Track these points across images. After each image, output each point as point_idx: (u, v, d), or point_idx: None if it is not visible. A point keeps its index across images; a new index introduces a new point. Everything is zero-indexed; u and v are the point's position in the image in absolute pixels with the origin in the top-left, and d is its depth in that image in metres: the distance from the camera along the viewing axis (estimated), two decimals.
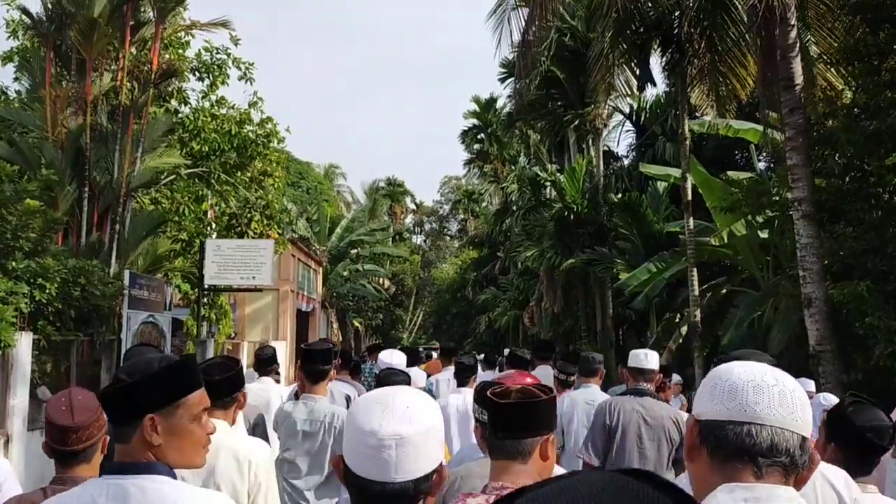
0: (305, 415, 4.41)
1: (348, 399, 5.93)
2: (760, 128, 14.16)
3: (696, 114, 15.13)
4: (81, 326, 10.56)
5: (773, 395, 1.39)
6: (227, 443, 3.09)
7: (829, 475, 2.56)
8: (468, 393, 6.01)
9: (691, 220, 13.30)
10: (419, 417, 1.56)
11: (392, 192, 61.20)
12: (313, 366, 4.50)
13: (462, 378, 6.39)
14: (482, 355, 11.88)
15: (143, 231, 14.76)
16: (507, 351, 13.57)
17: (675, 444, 4.74)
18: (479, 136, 44.10)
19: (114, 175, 14.52)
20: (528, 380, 3.05)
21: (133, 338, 11.56)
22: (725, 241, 13.00)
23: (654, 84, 17.48)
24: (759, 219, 12.99)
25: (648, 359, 4.95)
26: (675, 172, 15.82)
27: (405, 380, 4.63)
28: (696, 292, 13.18)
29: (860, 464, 2.73)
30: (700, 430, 1.45)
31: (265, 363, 6.49)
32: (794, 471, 1.40)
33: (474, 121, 44.07)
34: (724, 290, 15.27)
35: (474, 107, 43.78)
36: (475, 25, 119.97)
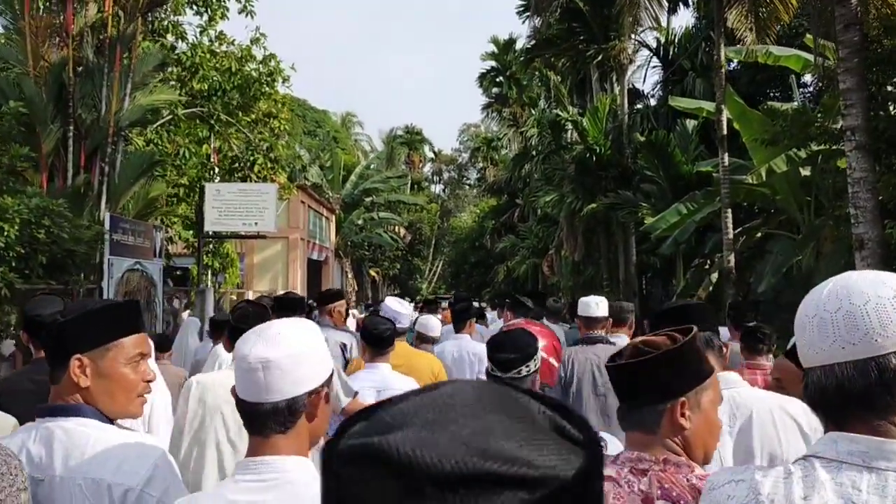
0: None
1: (343, 347, 5.48)
2: (804, 54, 12.83)
3: (732, 42, 13.81)
4: (55, 274, 9.62)
5: (813, 328, 1.20)
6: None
7: (788, 407, 2.58)
8: (464, 339, 6.06)
9: (726, 157, 12.10)
10: (286, 342, 1.63)
11: (410, 140, 60.01)
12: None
13: (457, 324, 6.22)
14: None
15: (134, 173, 13.80)
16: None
17: None
18: (497, 80, 42.48)
19: (101, 113, 13.53)
20: (535, 328, 3.55)
21: (116, 286, 10.65)
22: (763, 178, 11.77)
23: (687, 4, 16.05)
24: (802, 153, 11.75)
25: (599, 307, 5.07)
26: (708, 105, 14.54)
27: (390, 327, 4.33)
28: (731, 235, 12.04)
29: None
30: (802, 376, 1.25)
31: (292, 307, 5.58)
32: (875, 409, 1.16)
33: (492, 63, 42.41)
34: (759, 234, 14.09)
35: (492, 48, 42.13)
36: None
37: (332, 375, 1.73)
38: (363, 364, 4.45)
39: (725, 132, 12.05)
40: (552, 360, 5.07)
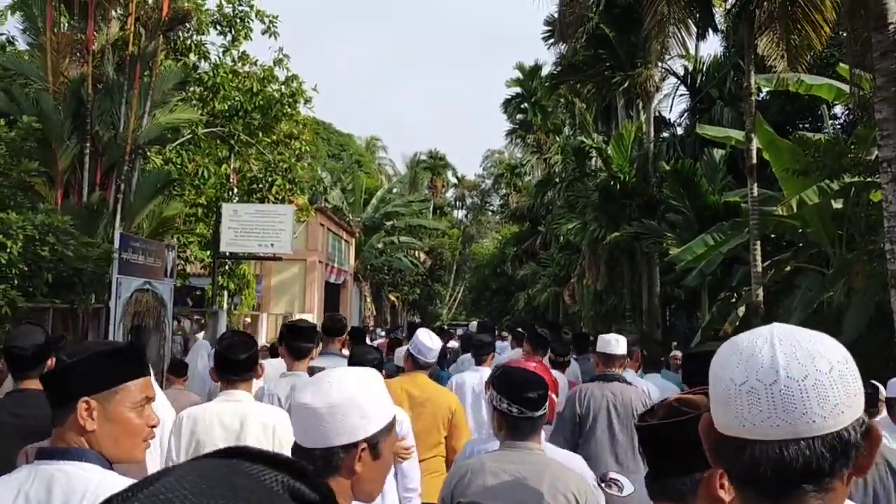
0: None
1: None
2: (836, 83, 12.44)
3: (762, 70, 13.45)
4: (61, 293, 9.39)
5: (773, 398, 1.01)
6: (253, 411, 3.35)
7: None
8: (485, 371, 5.88)
9: (755, 187, 11.70)
10: (334, 392, 1.65)
11: (433, 164, 59.95)
12: (297, 343, 4.52)
13: (479, 356, 6.19)
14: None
15: (150, 192, 13.63)
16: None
17: None
18: (522, 106, 42.22)
19: (119, 130, 13.39)
20: (532, 365, 3.25)
21: (124, 307, 10.40)
22: (794, 210, 11.33)
23: (716, 30, 15.71)
24: (835, 185, 11.32)
25: (618, 344, 5.07)
26: (737, 134, 14.15)
27: (376, 356, 4.45)
28: (759, 268, 11.59)
29: None
30: (713, 437, 1.08)
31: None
32: (831, 479, 1.03)
33: (518, 89, 42.18)
34: (788, 268, 13.61)
35: (518, 74, 41.93)
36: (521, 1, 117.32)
37: (386, 429, 1.71)
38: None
39: (755, 161, 11.65)
40: (553, 396, 4.98)
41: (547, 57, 74.37)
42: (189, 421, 3.32)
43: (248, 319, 18.13)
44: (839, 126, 17.77)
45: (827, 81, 12.61)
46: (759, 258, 11.70)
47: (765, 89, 16.07)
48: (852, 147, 10.78)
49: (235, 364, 3.43)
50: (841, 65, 12.88)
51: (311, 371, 4.72)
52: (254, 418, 3.31)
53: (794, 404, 1.01)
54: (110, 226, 12.60)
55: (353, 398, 1.66)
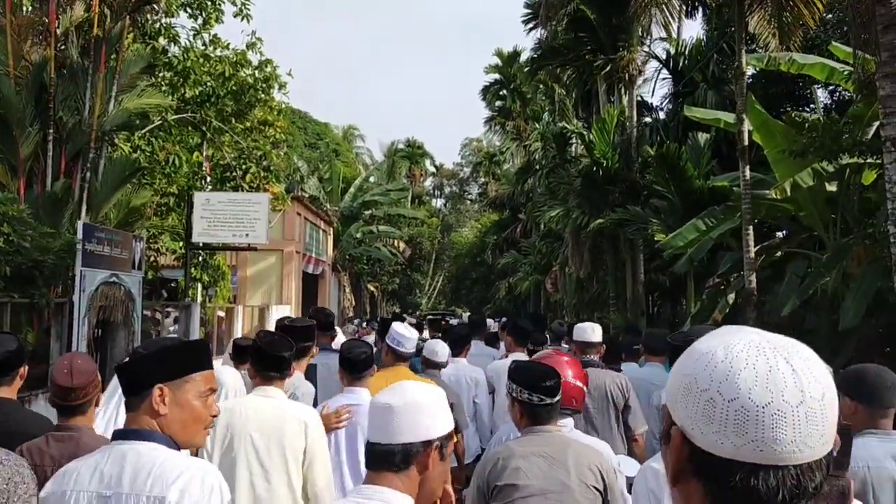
0: None
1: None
2: (829, 62, 12.06)
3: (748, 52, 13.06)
4: (21, 286, 8.82)
5: (799, 421, 0.94)
6: (290, 408, 3.49)
7: None
8: (460, 363, 6.30)
9: (747, 170, 11.31)
10: (410, 394, 1.88)
11: (411, 153, 59.42)
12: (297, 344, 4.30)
13: (455, 348, 6.25)
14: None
15: (117, 180, 13.03)
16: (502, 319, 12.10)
17: (620, 408, 4.91)
18: (501, 92, 41.75)
19: (84, 116, 12.77)
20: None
21: (89, 301, 9.83)
22: (788, 193, 10.96)
23: (706, 7, 15.25)
24: (830, 167, 10.96)
25: (594, 332, 5.35)
26: (726, 117, 13.74)
27: (366, 351, 4.43)
28: (752, 254, 11.22)
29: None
30: (691, 456, 1.00)
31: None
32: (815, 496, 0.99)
33: (496, 75, 41.69)
34: (778, 253, 13.26)
35: (496, 60, 41.40)
36: None
37: (449, 436, 1.91)
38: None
39: (746, 143, 11.26)
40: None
41: (526, 43, 73.98)
42: (225, 413, 3.36)
43: (222, 313, 17.53)
44: (832, 107, 17.42)
45: (820, 60, 12.21)
46: (751, 243, 11.34)
47: (749, 72, 15.70)
48: (847, 128, 10.38)
49: (278, 361, 3.57)
50: (834, 44, 12.52)
51: (310, 368, 4.86)
52: (290, 415, 3.42)
53: (816, 426, 0.95)
54: (76, 216, 12.01)
55: (429, 401, 1.89)
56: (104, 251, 10.21)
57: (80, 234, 9.65)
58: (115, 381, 3.43)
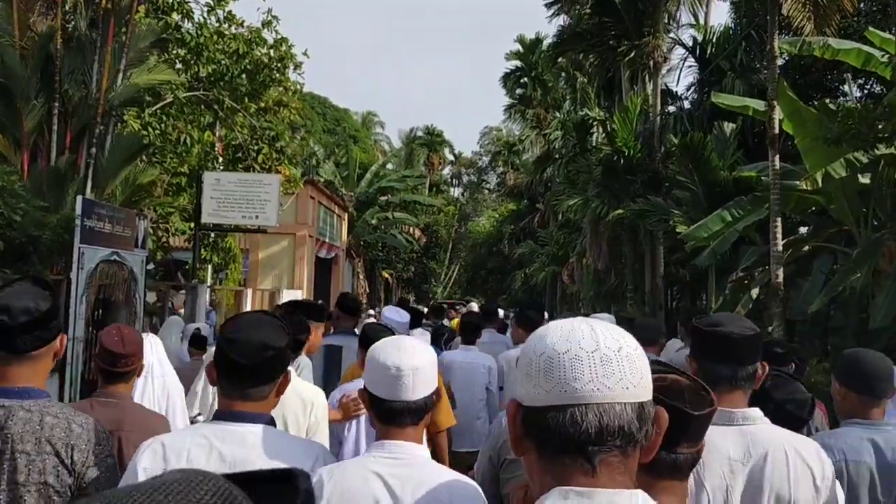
0: None
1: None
2: (866, 48, 11.48)
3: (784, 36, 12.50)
4: (14, 262, 8.48)
5: (595, 365, 1.11)
6: (298, 386, 3.45)
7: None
8: (473, 350, 6.52)
9: (777, 159, 10.79)
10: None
11: (430, 141, 58.96)
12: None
13: (467, 336, 6.58)
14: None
15: (124, 157, 12.69)
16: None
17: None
18: (521, 80, 41.12)
19: (91, 89, 12.43)
20: None
21: (88, 279, 9.45)
22: (819, 184, 10.44)
23: None
24: (864, 158, 10.41)
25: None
26: (755, 104, 13.19)
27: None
28: (780, 248, 10.72)
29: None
30: (523, 419, 1.17)
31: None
32: (633, 447, 1.13)
33: (517, 62, 41.06)
34: (805, 248, 12.73)
35: (518, 47, 40.78)
36: None
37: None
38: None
39: (777, 131, 10.74)
40: None
41: (549, 30, 73.14)
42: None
43: (231, 298, 17.19)
44: (863, 97, 16.80)
45: (856, 45, 11.63)
46: (779, 236, 10.83)
47: (778, 61, 15.12)
48: (884, 116, 9.83)
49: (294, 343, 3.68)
50: (870, 29, 11.93)
51: (330, 349, 4.97)
52: (297, 393, 3.38)
53: (612, 370, 1.10)
54: (81, 192, 11.69)
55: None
56: (104, 228, 9.82)
57: (78, 210, 9.27)
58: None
